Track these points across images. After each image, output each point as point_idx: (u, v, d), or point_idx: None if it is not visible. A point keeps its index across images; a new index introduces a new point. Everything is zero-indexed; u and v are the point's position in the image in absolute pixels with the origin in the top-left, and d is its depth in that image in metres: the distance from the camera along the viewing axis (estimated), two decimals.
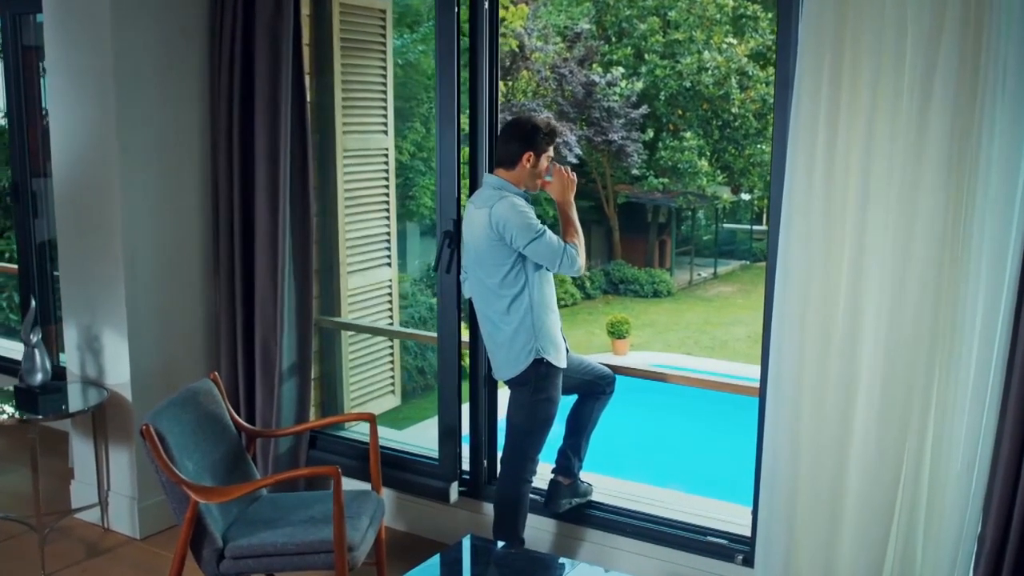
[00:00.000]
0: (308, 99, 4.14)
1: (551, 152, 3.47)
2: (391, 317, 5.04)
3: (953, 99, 2.62)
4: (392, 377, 5.06)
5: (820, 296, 2.90)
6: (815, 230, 2.87)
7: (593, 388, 3.63)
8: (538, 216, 3.35)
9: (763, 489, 3.11)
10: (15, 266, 5.41)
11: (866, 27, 2.72)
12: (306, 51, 4.18)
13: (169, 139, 4.03)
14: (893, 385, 2.84)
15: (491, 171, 3.55)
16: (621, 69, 17.40)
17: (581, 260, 3.34)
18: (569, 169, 3.52)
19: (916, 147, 2.69)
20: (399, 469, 4.09)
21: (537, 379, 3.38)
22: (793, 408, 2.98)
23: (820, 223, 2.86)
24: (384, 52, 4.79)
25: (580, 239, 3.40)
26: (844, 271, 2.87)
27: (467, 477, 4.01)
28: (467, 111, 3.76)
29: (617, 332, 14.17)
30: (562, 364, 3.43)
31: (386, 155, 4.87)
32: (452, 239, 3.75)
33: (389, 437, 4.43)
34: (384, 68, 4.80)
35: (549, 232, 3.31)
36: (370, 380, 4.91)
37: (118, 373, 4.01)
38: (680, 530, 3.61)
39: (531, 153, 3.38)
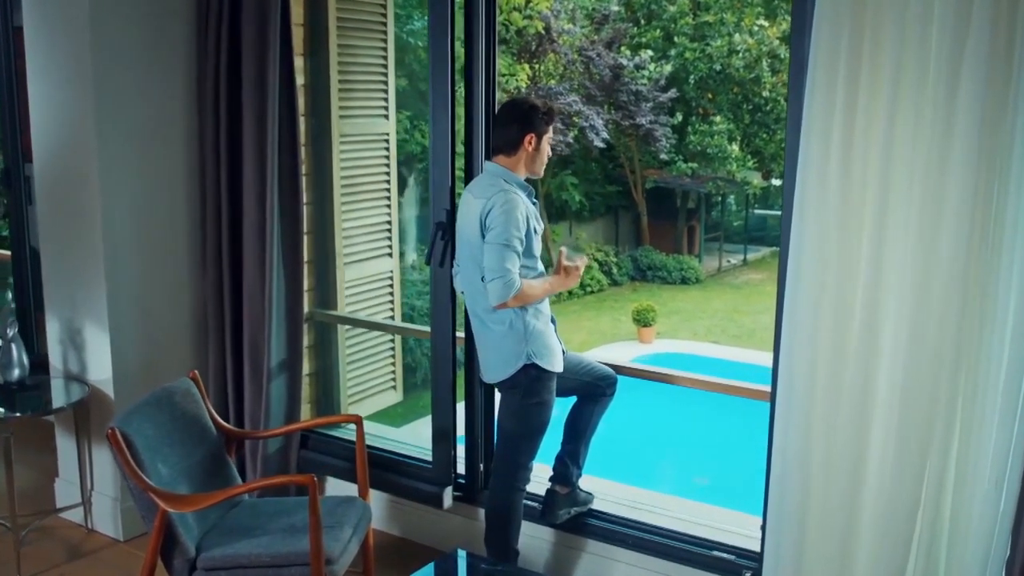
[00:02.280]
0: (302, 82, 3.96)
1: (551, 133, 3.26)
2: (392, 310, 4.84)
3: (983, 86, 2.37)
4: (393, 372, 4.86)
5: (835, 298, 2.68)
6: (830, 228, 2.64)
7: (593, 390, 3.41)
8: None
9: (771, 505, 2.90)
10: (8, 252, 5.25)
11: (887, 6, 2.48)
12: (299, 32, 3.99)
13: (152, 125, 3.86)
14: (914, 393, 2.61)
15: (488, 158, 3.33)
16: (650, 52, 17.06)
17: (506, 299, 3.03)
18: (580, 267, 3.29)
19: (942, 140, 2.45)
20: (391, 472, 3.90)
21: (528, 383, 3.17)
22: (804, 418, 2.77)
23: (835, 220, 2.63)
24: (385, 33, 4.57)
25: (532, 296, 3.11)
26: (861, 271, 2.64)
27: (462, 481, 3.81)
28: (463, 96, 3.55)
29: (643, 320, 13.94)
30: (556, 368, 3.22)
31: (387, 140, 4.65)
32: (445, 230, 3.55)
33: (386, 436, 4.25)
34: (385, 49, 4.58)
35: (515, 253, 3.04)
36: (369, 376, 4.71)
37: (100, 369, 3.85)
38: (685, 543, 3.40)
39: (532, 135, 3.17)
